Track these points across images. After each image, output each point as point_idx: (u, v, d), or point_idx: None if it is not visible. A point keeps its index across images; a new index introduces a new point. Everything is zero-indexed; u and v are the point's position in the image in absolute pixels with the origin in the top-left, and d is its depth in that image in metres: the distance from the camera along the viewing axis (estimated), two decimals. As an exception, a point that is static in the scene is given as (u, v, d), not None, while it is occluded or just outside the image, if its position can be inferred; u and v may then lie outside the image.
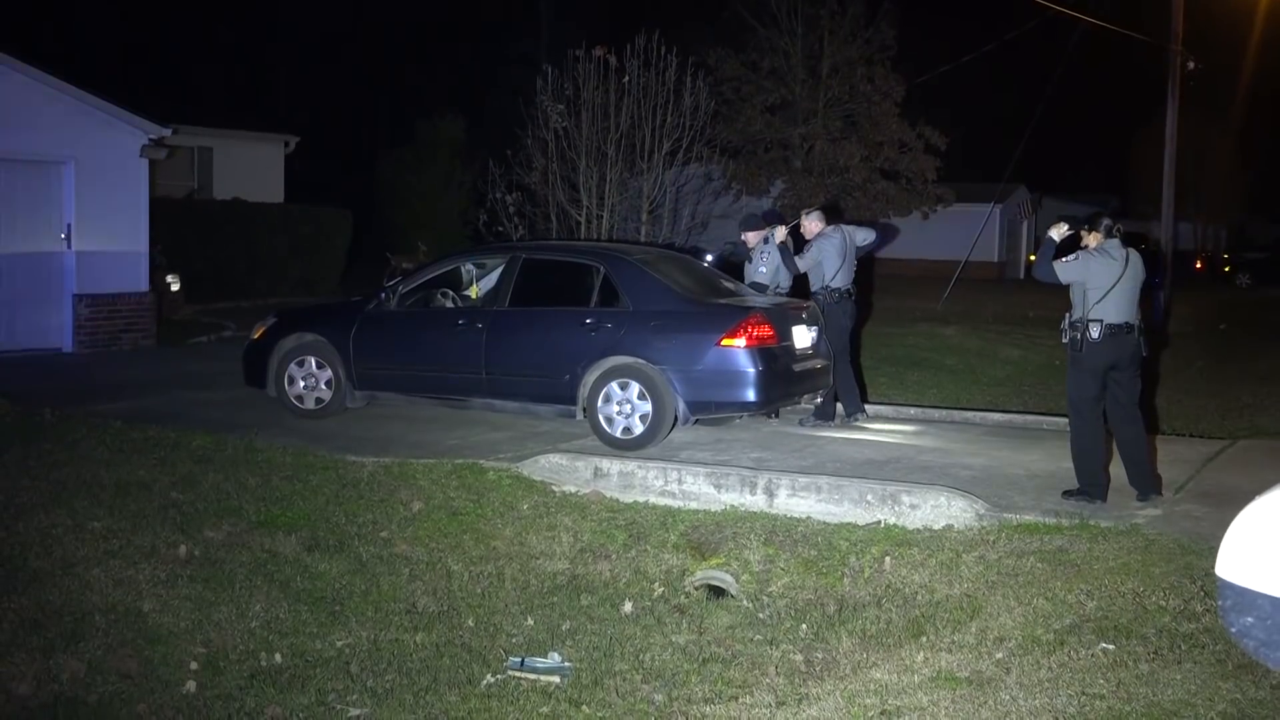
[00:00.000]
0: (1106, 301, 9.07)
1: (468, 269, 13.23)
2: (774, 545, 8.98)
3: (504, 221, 18.78)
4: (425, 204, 33.66)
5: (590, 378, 11.28)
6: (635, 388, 11.08)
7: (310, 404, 12.50)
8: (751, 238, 13.20)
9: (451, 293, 12.90)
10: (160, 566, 8.12)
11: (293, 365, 12.53)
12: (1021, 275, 45.22)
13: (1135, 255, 9.33)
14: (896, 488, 9.41)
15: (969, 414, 13.63)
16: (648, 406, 11.02)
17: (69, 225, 16.98)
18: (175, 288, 21.95)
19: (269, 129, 31.12)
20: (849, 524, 9.21)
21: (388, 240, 32.95)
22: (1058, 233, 9.65)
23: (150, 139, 17.90)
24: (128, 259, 17.74)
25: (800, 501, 9.56)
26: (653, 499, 9.97)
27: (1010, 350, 20.37)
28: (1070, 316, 9.28)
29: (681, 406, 11.01)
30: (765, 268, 12.82)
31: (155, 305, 18.43)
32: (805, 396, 12.07)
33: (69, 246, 17.02)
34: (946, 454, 11.28)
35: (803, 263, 12.60)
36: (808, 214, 12.95)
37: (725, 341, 10.86)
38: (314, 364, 12.47)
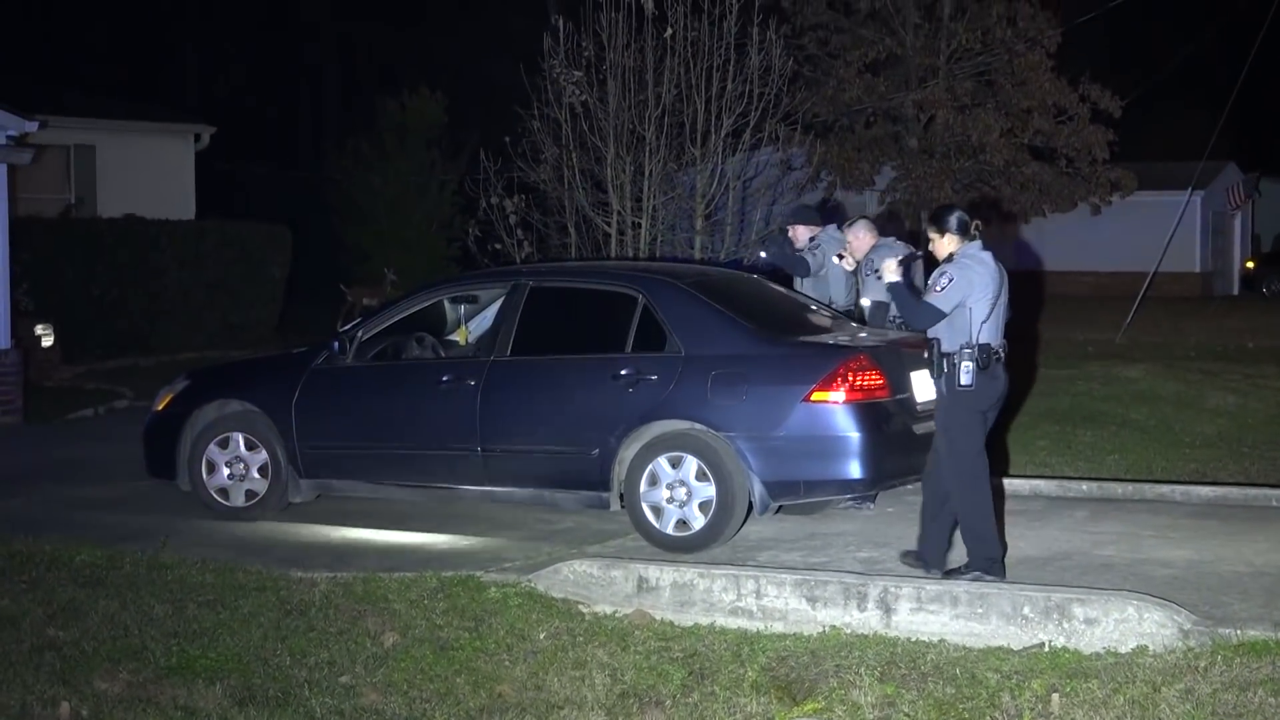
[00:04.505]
0: (991, 321, 9.97)
1: (453, 305, 13.29)
2: (894, 681, 8.94)
3: (503, 236, 18.86)
4: (393, 214, 33.92)
5: (628, 452, 11.30)
6: (692, 464, 11.08)
7: (238, 499, 12.56)
8: (802, 233, 13.65)
9: (431, 338, 12.95)
10: (34, 733, 8.15)
11: (213, 446, 12.60)
12: (1235, 290, 44.99)
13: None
14: (1065, 595, 9.35)
15: (1165, 489, 13.53)
16: (710, 490, 11.01)
17: (-102, 260, 17.21)
18: (48, 342, 22.15)
19: (172, 118, 31.46)
20: (999, 649, 9.15)
21: (342, 267, 33.20)
22: (894, 274, 10.26)
23: (9, 136, 18.12)
24: (-19, 304, 17.93)
25: (930, 619, 9.51)
26: (721, 620, 9.94)
27: (1223, 397, 20.20)
28: (941, 346, 9.97)
29: (758, 489, 10.99)
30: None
31: (21, 367, 18.60)
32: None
33: (-102, 289, 17.24)
34: (1135, 546, 11.20)
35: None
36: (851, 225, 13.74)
37: (817, 395, 10.86)
38: (242, 443, 12.53)
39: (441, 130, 34.91)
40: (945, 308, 9.85)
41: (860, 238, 13.64)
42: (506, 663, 9.36)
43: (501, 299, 12.44)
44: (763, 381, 11.05)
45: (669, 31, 18.37)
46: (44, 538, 11.39)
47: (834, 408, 10.83)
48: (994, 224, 35.91)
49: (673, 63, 18.41)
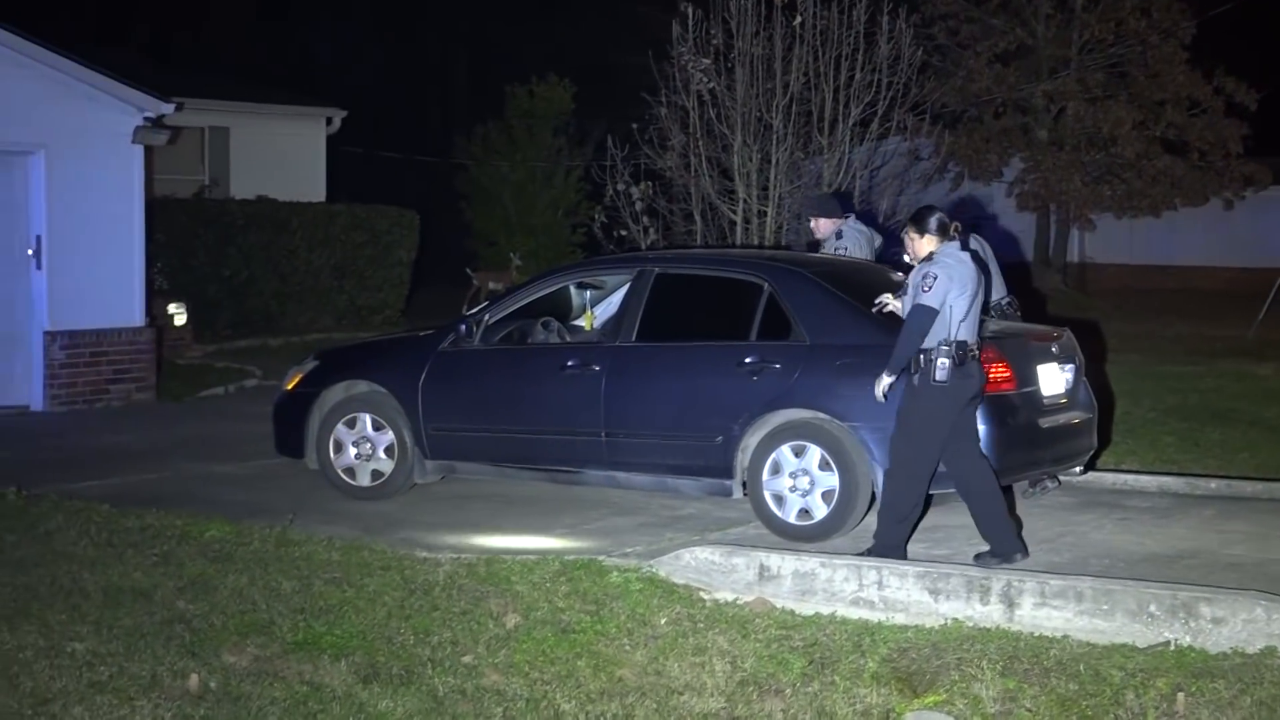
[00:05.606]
0: (969, 319, 10.22)
1: (579, 290, 13.32)
2: (1016, 676, 8.87)
3: (628, 223, 18.91)
4: (520, 200, 34.06)
5: (752, 440, 11.30)
6: (815, 454, 11.06)
7: (365, 479, 12.68)
8: (824, 226, 13.50)
9: (557, 323, 13.00)
10: (164, 704, 8.27)
11: (341, 426, 12.72)
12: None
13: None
14: (1192, 594, 9.24)
15: (1297, 488, 13.35)
16: (833, 480, 10.99)
17: (38, 237, 17.43)
18: (180, 321, 22.48)
19: (305, 101, 31.74)
20: (1124, 646, 9.06)
21: (469, 251, 33.39)
22: (894, 303, 10.72)
23: (147, 118, 18.32)
24: (117, 282, 18.18)
25: (1053, 614, 9.43)
26: (842, 610, 9.91)
27: (1356, 396, 19.88)
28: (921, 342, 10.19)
29: (881, 480, 10.94)
30: None
31: (155, 345, 18.88)
32: (1060, 467, 11.93)
33: (38, 266, 17.48)
34: (1264, 546, 11.04)
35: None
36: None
37: (942, 387, 10.80)
38: (369, 424, 12.65)
39: (569, 117, 35.01)
40: (936, 304, 10.03)
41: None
42: (627, 647, 9.39)
43: (627, 285, 12.45)
44: (888, 372, 11.02)
45: (798, 20, 18.34)
46: (175, 512, 11.57)
47: (960, 400, 10.76)
48: (1123, 218, 35.56)
49: (801, 51, 18.37)
